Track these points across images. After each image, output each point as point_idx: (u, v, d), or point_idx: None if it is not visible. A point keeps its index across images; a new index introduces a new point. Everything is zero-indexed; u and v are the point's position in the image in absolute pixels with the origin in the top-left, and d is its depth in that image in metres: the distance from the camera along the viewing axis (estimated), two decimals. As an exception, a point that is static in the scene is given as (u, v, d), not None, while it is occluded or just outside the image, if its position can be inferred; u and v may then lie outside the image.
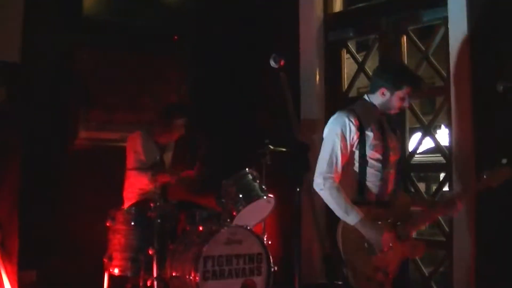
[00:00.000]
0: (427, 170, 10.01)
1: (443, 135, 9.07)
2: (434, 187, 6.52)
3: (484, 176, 4.00)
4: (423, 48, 5.71)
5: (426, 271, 5.61)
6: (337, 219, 3.95)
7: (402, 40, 5.81)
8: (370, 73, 6.13)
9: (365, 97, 4.21)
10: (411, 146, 5.88)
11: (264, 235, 5.74)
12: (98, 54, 6.49)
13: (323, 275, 6.00)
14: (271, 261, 5.38)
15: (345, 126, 3.98)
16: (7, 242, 5.47)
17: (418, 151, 5.88)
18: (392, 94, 4.06)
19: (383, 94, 4.08)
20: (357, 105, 4.19)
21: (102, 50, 6.50)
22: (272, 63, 3.13)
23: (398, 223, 4.01)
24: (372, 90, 4.15)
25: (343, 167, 4.01)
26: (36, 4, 5.85)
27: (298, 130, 3.07)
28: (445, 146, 5.55)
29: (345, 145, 3.99)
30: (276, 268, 5.46)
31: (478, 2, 5.05)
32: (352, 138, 3.99)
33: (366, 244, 3.91)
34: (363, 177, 4.04)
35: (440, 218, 5.46)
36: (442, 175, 6.01)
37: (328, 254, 2.86)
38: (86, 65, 6.39)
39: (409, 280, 5.58)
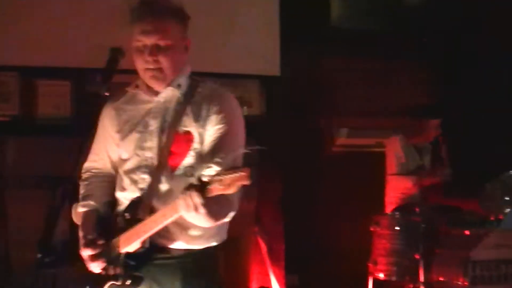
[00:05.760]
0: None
1: None
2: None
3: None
4: None
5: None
6: None
7: None
8: None
9: None
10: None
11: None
12: (345, 62, 6.61)
13: None
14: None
15: None
16: (274, 248, 5.77)
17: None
18: None
19: None
20: None
21: (348, 57, 6.60)
22: None
23: None
24: None
25: None
26: (289, 18, 6.04)
27: None
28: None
29: None
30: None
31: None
32: None
33: None
34: None
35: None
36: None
37: None
38: (335, 73, 6.56)
39: None
